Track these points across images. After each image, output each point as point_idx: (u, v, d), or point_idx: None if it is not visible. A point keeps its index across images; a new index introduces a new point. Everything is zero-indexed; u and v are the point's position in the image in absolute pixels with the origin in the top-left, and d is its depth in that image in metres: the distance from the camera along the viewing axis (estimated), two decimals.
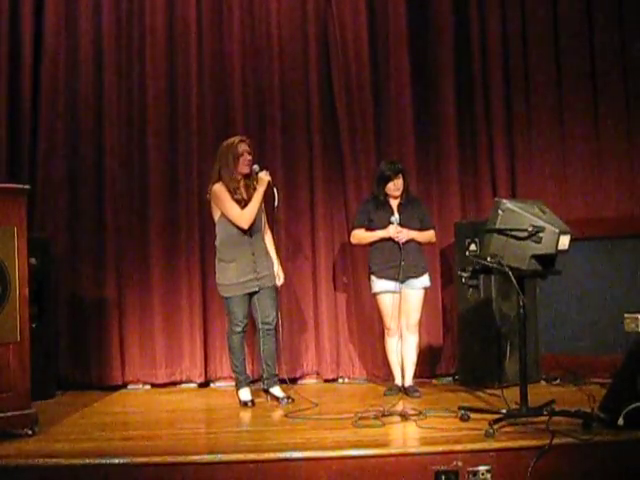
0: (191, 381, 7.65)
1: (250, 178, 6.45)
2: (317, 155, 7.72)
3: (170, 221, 7.70)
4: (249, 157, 6.44)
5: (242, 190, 6.43)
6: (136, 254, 7.70)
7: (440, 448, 4.74)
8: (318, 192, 7.71)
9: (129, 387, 7.65)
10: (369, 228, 6.68)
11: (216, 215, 6.48)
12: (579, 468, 4.71)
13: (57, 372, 7.37)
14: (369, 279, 6.75)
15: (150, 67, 7.74)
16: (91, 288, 7.66)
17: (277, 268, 6.62)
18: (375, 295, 6.72)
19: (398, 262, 6.51)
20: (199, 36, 7.78)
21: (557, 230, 5.11)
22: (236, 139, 6.48)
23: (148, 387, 7.67)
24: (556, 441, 4.68)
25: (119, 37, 7.79)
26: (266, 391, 6.64)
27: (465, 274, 5.75)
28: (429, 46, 7.82)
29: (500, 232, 5.22)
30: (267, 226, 6.65)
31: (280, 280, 6.65)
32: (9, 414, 5.28)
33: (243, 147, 6.43)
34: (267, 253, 6.55)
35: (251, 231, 6.41)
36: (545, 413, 5.16)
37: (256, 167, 6.42)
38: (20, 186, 5.58)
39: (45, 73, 7.70)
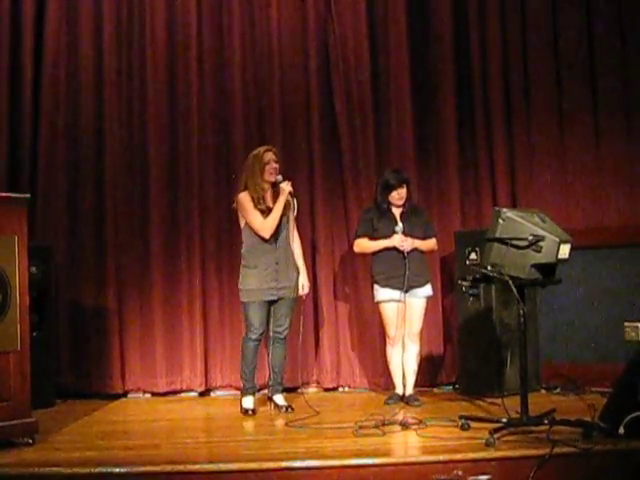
0: (192, 390, 7.64)
1: (276, 189, 6.51)
2: (317, 165, 7.73)
3: (171, 230, 7.71)
4: (275, 165, 6.52)
5: (268, 199, 6.50)
6: (136, 262, 7.70)
7: (440, 457, 4.74)
8: (318, 201, 7.72)
9: (129, 396, 7.64)
10: (372, 237, 6.68)
11: (242, 223, 6.57)
12: (579, 477, 4.71)
13: (57, 381, 7.35)
14: (372, 288, 6.75)
15: (150, 79, 7.76)
16: (92, 296, 7.66)
17: (303, 277, 6.65)
18: (378, 304, 6.71)
19: (402, 271, 6.51)
20: (199, 48, 7.80)
21: (557, 239, 5.12)
22: (262, 149, 6.58)
23: (148, 396, 7.66)
24: (556, 450, 4.67)
25: (119, 49, 7.81)
26: (270, 398, 6.65)
27: (465, 283, 5.76)
28: (429, 55, 7.83)
29: (500, 241, 5.22)
30: (296, 234, 6.68)
31: (305, 290, 6.67)
32: (9, 423, 5.27)
33: (269, 156, 6.52)
34: (292, 263, 6.59)
35: (276, 240, 6.47)
36: (545, 422, 5.16)
37: (279, 177, 6.50)
38: (21, 195, 5.60)
39: (46, 83, 7.72)
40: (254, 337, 6.46)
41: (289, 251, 6.57)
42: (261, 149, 6.57)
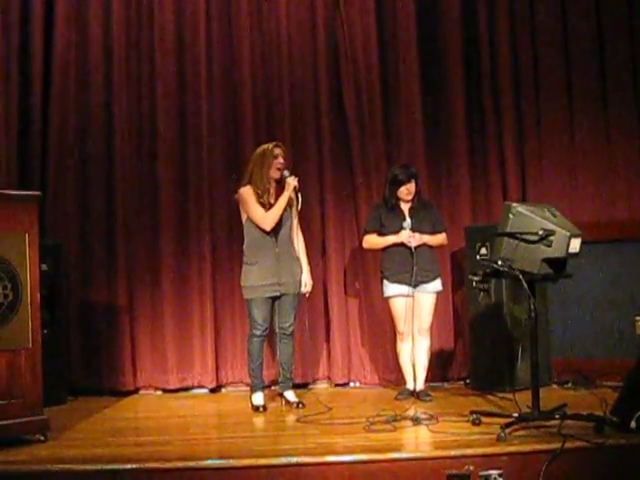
0: (202, 386, 7.66)
1: (281, 184, 6.50)
2: (327, 160, 7.73)
3: (181, 226, 7.72)
4: (282, 161, 6.50)
5: (272, 194, 6.48)
6: (147, 260, 7.72)
7: (452, 452, 4.73)
8: (328, 197, 7.72)
9: (140, 392, 7.66)
10: (381, 233, 6.68)
11: (243, 217, 6.56)
12: (591, 472, 4.70)
13: (69, 378, 7.37)
14: (381, 283, 6.75)
15: (160, 78, 7.77)
16: (102, 294, 7.68)
17: (305, 275, 6.63)
18: (388, 299, 6.71)
19: (410, 267, 6.51)
20: (208, 45, 7.80)
21: (568, 233, 5.11)
22: (271, 144, 6.57)
23: (160, 392, 7.67)
24: (568, 445, 4.66)
25: (129, 49, 7.82)
26: (281, 394, 6.65)
27: (476, 278, 5.75)
28: (439, 50, 7.83)
29: (511, 236, 5.21)
30: (299, 231, 6.67)
31: (307, 287, 6.63)
32: (21, 420, 5.29)
33: (277, 151, 6.52)
34: (295, 259, 6.57)
35: (276, 235, 6.46)
36: (557, 417, 5.15)
37: (286, 172, 6.47)
38: (31, 193, 5.62)
39: (56, 81, 7.73)
40: (258, 333, 6.46)
41: (291, 247, 6.56)
42: (270, 144, 6.56)
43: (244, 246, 6.57)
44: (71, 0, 7.81)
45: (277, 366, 6.69)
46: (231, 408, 6.87)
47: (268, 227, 6.40)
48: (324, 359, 7.71)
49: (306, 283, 6.62)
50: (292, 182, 6.42)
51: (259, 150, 6.57)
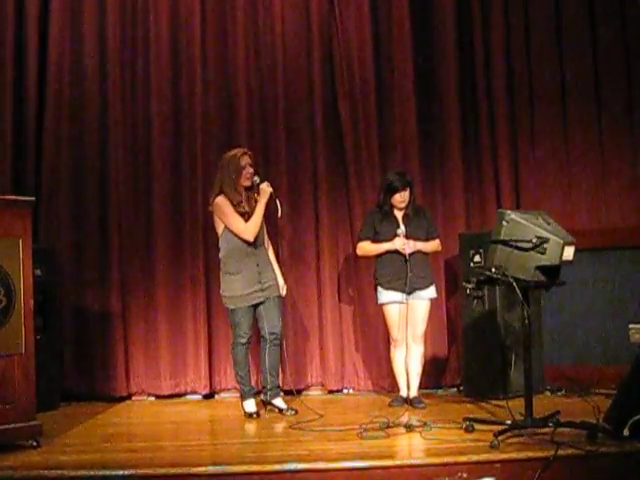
0: (196, 392, 7.65)
1: (252, 190, 6.47)
2: (321, 166, 7.73)
3: (175, 232, 7.71)
4: (251, 170, 6.45)
5: (244, 203, 6.43)
6: (141, 265, 7.71)
7: (445, 459, 4.73)
8: (322, 203, 7.71)
9: (133, 398, 7.65)
10: (375, 240, 6.68)
11: (219, 228, 6.48)
12: (584, 479, 4.70)
13: (62, 383, 7.37)
14: (375, 290, 6.74)
15: (154, 82, 7.77)
16: (96, 299, 7.67)
17: (280, 279, 6.63)
18: (382, 306, 6.71)
19: (405, 274, 6.51)
20: (203, 48, 7.80)
21: (561, 241, 5.11)
22: (239, 152, 6.49)
23: (152, 398, 7.66)
24: (561, 452, 4.67)
25: (123, 49, 7.82)
26: (266, 403, 6.62)
27: (470, 285, 5.74)
28: (433, 58, 7.83)
29: (504, 243, 5.21)
30: (267, 237, 6.67)
31: (283, 291, 6.64)
32: (14, 426, 5.28)
33: (245, 160, 6.45)
34: (270, 263, 6.58)
35: (255, 243, 6.43)
36: (550, 424, 5.15)
37: (257, 179, 6.44)
38: (25, 198, 5.61)
39: (50, 85, 7.73)
40: (244, 341, 6.42)
41: (265, 252, 6.57)
42: (237, 152, 6.50)
43: (221, 255, 6.51)
44: (66, 4, 7.81)
45: (264, 374, 6.60)
46: (224, 414, 6.86)
47: (251, 238, 6.37)
48: (317, 365, 7.70)
49: (282, 287, 6.63)
50: (267, 189, 6.39)
51: (227, 157, 6.49)
